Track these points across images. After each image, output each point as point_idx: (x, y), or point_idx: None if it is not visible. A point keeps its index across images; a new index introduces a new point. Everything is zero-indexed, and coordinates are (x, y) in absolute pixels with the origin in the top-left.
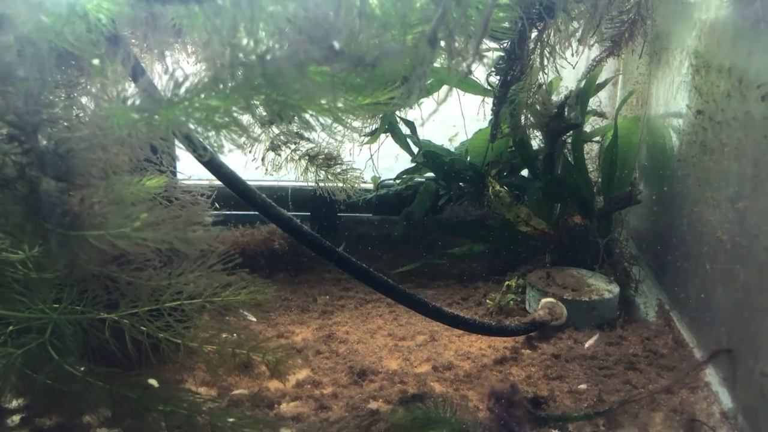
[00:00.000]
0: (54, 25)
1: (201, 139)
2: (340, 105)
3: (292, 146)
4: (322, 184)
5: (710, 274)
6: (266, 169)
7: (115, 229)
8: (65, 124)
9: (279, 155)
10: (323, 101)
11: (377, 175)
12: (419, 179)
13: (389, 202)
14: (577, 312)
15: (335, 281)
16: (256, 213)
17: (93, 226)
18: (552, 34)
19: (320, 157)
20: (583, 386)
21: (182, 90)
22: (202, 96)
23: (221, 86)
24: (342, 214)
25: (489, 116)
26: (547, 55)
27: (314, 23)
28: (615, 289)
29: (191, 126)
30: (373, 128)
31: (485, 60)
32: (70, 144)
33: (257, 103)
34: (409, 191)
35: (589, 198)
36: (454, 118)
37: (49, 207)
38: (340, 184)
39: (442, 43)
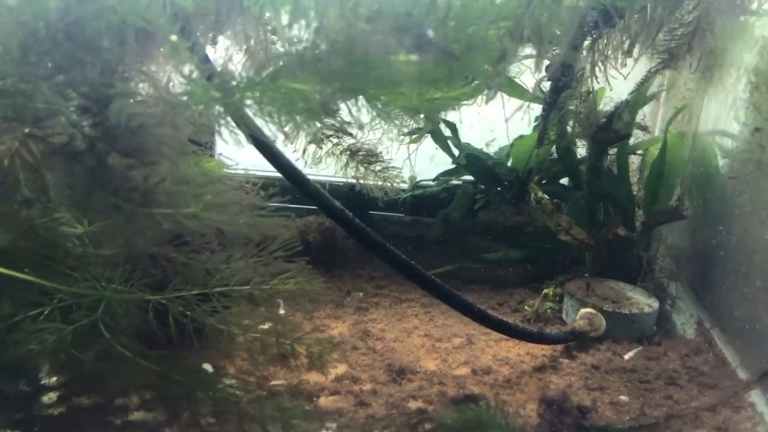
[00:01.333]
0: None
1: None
2: (422, 95)
3: (334, 140)
4: (361, 181)
5: (760, 293)
6: (305, 162)
7: (183, 209)
8: (138, 98)
9: (320, 148)
10: (403, 91)
11: (414, 175)
12: (456, 182)
13: (425, 202)
14: (616, 324)
15: (369, 278)
16: (292, 205)
17: (161, 204)
18: (606, 42)
19: (361, 153)
20: (624, 398)
21: (264, 73)
22: (282, 79)
23: (300, 70)
24: (375, 212)
25: (531, 123)
26: (600, 64)
27: (407, 11)
28: (655, 303)
29: (268, 109)
30: (414, 127)
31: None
32: (141, 119)
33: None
34: (445, 193)
35: (632, 210)
36: (490, 123)
37: (117, 182)
38: (380, 182)
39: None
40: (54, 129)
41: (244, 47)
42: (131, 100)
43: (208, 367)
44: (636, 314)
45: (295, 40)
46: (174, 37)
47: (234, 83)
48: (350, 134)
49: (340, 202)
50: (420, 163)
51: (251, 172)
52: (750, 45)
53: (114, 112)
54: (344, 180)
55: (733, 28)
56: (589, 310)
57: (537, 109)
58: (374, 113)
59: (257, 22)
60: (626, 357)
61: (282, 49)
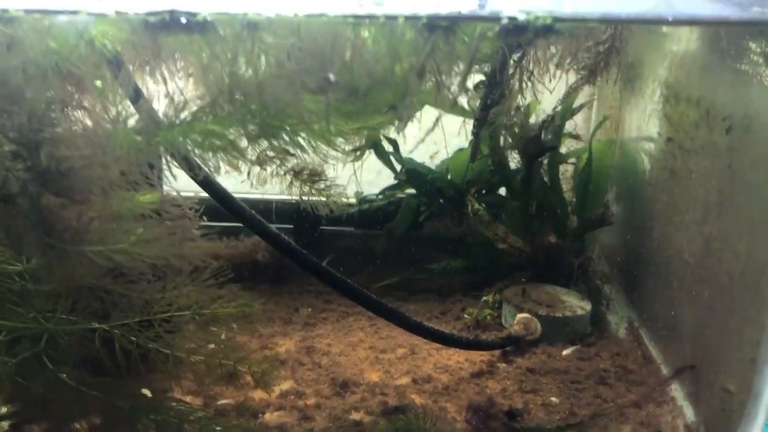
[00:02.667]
0: (61, 50)
1: (197, 159)
2: (331, 129)
3: (278, 161)
4: (306, 198)
5: (677, 293)
6: (252, 183)
7: (113, 245)
8: (66, 142)
9: (265, 170)
10: (316, 126)
11: (360, 191)
12: (401, 195)
13: (371, 216)
14: (551, 328)
15: (317, 293)
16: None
17: (92, 242)
18: (531, 61)
19: (305, 172)
20: (555, 399)
21: (183, 114)
22: (202, 120)
23: (218, 111)
24: (324, 227)
25: (470, 136)
26: (526, 80)
27: (311, 55)
28: (587, 306)
29: (189, 147)
30: (358, 145)
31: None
32: (71, 162)
33: (253, 127)
34: (391, 207)
35: (564, 218)
36: (434, 136)
37: (50, 222)
38: (324, 199)
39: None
40: None
41: (164, 91)
42: (61, 144)
43: (146, 392)
44: (569, 317)
45: (212, 83)
46: (99, 82)
47: (154, 125)
48: (293, 155)
49: (291, 218)
50: (369, 175)
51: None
52: (661, 58)
53: (44, 156)
54: (291, 198)
55: (647, 43)
56: (524, 315)
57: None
58: (296, 144)
59: (175, 66)
60: (564, 353)
61: (199, 92)
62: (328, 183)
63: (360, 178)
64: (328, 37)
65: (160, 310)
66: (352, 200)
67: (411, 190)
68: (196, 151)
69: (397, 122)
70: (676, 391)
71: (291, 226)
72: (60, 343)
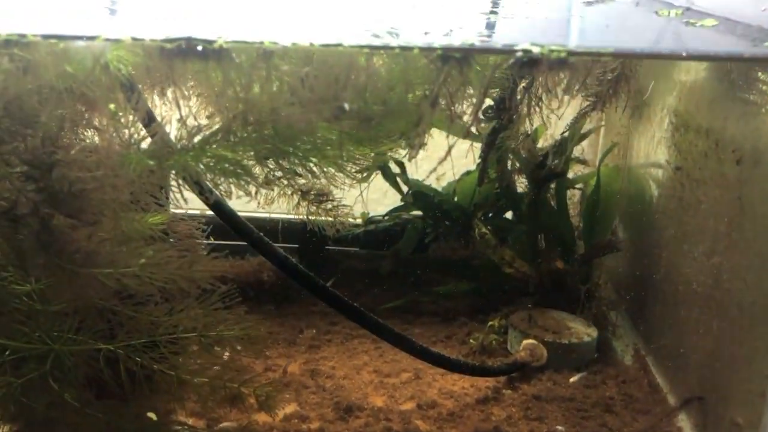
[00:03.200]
0: (76, 73)
1: (208, 183)
2: (343, 154)
3: (285, 182)
4: (312, 218)
5: (685, 322)
6: (258, 203)
7: (123, 268)
8: (79, 164)
9: (272, 190)
10: (329, 152)
11: (366, 212)
12: (407, 216)
13: (377, 237)
14: (557, 354)
15: (322, 315)
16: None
17: (102, 264)
18: (539, 87)
19: (312, 192)
20: (561, 428)
21: (196, 139)
22: (214, 145)
23: (231, 136)
24: (329, 248)
25: (477, 160)
26: (534, 105)
27: (326, 83)
28: (594, 332)
29: (201, 171)
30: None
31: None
32: (83, 183)
33: (265, 153)
34: (397, 228)
35: (571, 243)
36: (441, 157)
37: (60, 243)
38: (330, 219)
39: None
40: None
41: (177, 116)
42: (73, 166)
43: (152, 415)
44: (575, 343)
45: (226, 108)
46: (112, 106)
47: (167, 150)
48: (300, 175)
49: (297, 238)
50: (375, 194)
51: (207, 213)
52: (670, 88)
53: (56, 178)
54: (297, 218)
55: (656, 71)
56: (531, 341)
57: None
58: (308, 170)
59: (189, 92)
60: (572, 380)
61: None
62: (334, 203)
63: (366, 197)
64: (342, 65)
65: (166, 331)
66: (358, 221)
67: (417, 212)
68: (208, 175)
69: (408, 149)
70: (683, 421)
71: (296, 246)
72: (66, 364)
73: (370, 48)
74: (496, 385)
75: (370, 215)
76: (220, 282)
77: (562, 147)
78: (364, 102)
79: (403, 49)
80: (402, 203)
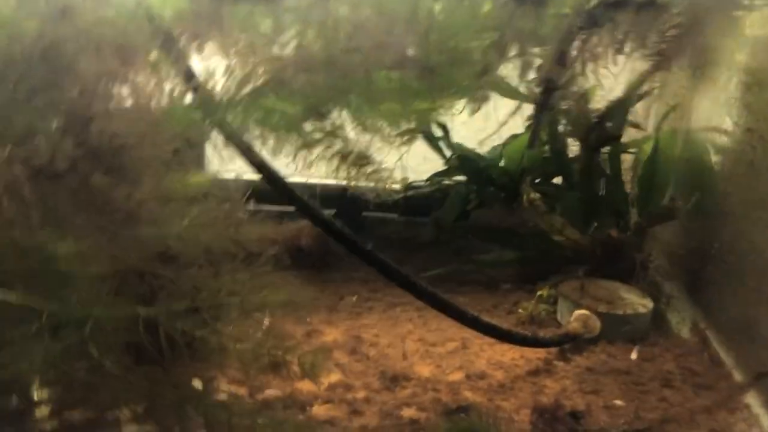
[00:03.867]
0: (117, 19)
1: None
2: (400, 108)
3: (325, 144)
4: (352, 183)
5: (753, 294)
6: (296, 166)
7: (167, 228)
8: (119, 118)
9: (311, 153)
10: (382, 106)
11: (406, 177)
12: (448, 182)
13: (418, 203)
14: (611, 325)
15: (363, 281)
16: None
17: (144, 225)
18: (596, 42)
19: (352, 156)
20: (619, 402)
21: (243, 91)
22: (263, 97)
23: (281, 88)
24: (368, 213)
25: (523, 122)
26: (590, 64)
27: (387, 29)
28: (649, 303)
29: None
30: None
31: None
32: (123, 139)
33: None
34: (439, 194)
35: (625, 211)
36: (484, 120)
37: (99, 203)
38: (371, 184)
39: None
40: (35, 150)
41: (224, 64)
42: (113, 120)
43: (197, 383)
44: (630, 315)
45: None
46: (153, 54)
47: (214, 103)
48: (340, 137)
49: (333, 204)
50: (414, 160)
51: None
52: (741, 44)
53: (95, 132)
54: (336, 182)
55: (724, 26)
56: (583, 311)
57: (529, 107)
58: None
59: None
60: (633, 356)
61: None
62: (375, 167)
63: (406, 163)
64: (406, 8)
65: (209, 296)
66: (397, 186)
67: (459, 177)
68: (255, 131)
69: (470, 104)
70: (752, 398)
71: (334, 211)
72: (105, 329)
73: None
74: (547, 356)
75: (411, 180)
76: (267, 245)
77: (619, 109)
78: (424, 51)
79: None
80: (445, 168)
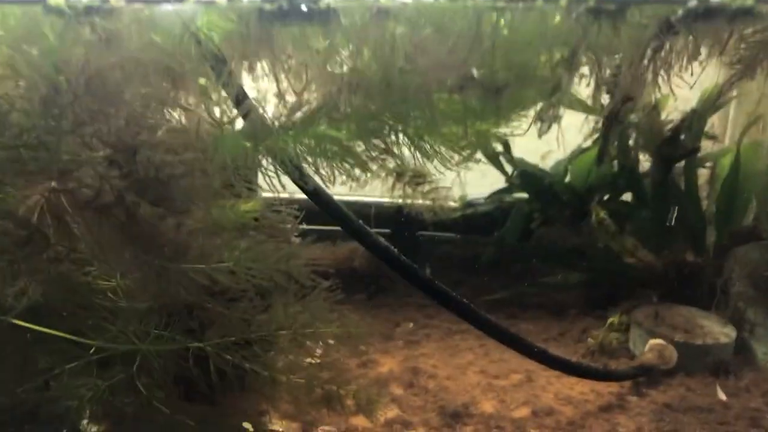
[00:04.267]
0: (164, 44)
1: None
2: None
3: (380, 162)
4: (408, 202)
5: None
6: (350, 186)
7: (215, 262)
8: (167, 147)
9: (365, 171)
10: (445, 129)
11: (464, 194)
12: (509, 199)
13: (476, 222)
14: (689, 356)
15: (419, 306)
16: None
17: (192, 258)
18: (672, 52)
19: (408, 174)
20: None
21: (295, 116)
22: (316, 123)
23: (334, 113)
24: (423, 233)
25: (588, 135)
26: (663, 74)
27: (449, 47)
28: (731, 332)
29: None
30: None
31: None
32: (170, 169)
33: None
34: (498, 212)
35: (702, 230)
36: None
37: (147, 236)
38: (428, 203)
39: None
40: (81, 182)
41: (275, 90)
42: (159, 149)
43: (248, 426)
44: (711, 345)
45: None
46: (203, 80)
47: (264, 130)
48: (395, 155)
49: (388, 223)
50: (472, 176)
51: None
52: None
53: (142, 162)
54: (391, 201)
55: None
56: (658, 341)
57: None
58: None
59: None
60: (723, 398)
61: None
62: (432, 185)
63: (463, 179)
64: (470, 26)
65: (260, 329)
66: (455, 204)
67: (521, 194)
68: (308, 158)
69: (539, 124)
70: None
71: (388, 231)
72: (153, 364)
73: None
74: (619, 390)
75: (469, 198)
76: (321, 276)
77: (695, 121)
78: (489, 69)
79: (547, 1)
80: (506, 185)
